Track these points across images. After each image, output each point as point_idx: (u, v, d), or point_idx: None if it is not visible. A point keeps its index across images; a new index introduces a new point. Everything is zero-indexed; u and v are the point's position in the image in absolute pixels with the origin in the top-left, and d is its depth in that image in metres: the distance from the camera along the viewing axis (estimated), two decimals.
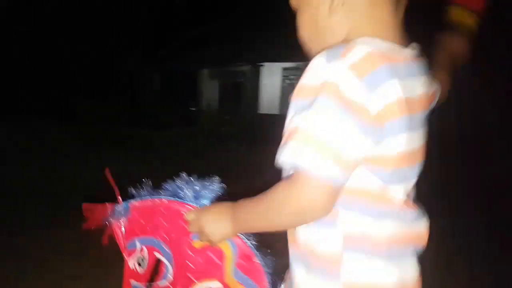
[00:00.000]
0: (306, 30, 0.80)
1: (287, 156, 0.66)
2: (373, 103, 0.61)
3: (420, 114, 0.70)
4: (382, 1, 0.68)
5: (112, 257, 1.16)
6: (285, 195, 0.66)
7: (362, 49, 0.62)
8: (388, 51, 0.65)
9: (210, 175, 0.94)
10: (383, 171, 0.65)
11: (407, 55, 0.69)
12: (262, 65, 15.17)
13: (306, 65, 0.74)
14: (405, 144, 0.65)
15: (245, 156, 7.81)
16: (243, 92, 16.07)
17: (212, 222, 0.77)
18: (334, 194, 0.62)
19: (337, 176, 0.60)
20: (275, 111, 15.50)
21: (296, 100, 0.70)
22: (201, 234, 0.79)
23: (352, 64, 0.61)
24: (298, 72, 14.55)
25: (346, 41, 0.66)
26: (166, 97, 16.80)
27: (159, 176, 1.01)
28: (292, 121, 0.69)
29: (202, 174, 0.97)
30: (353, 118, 0.59)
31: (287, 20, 1.16)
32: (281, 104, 15.80)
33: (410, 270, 0.71)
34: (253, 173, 5.80)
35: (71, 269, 2.48)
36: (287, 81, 15.83)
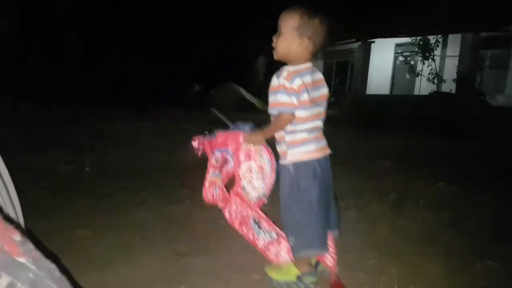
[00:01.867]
0: (281, 49, 1.75)
1: (274, 110, 1.71)
2: (294, 86, 1.65)
3: (317, 86, 1.75)
4: (309, 47, 1.70)
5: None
6: (279, 120, 1.70)
7: (286, 70, 1.70)
8: (299, 67, 1.71)
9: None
10: (303, 107, 1.67)
11: (309, 65, 1.75)
12: (372, 42, 13.97)
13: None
14: (308, 96, 1.67)
15: (351, 141, 7.13)
16: (350, 71, 15.07)
17: (254, 136, 1.81)
18: (292, 117, 1.67)
19: (292, 111, 1.66)
20: (385, 91, 14.23)
21: (273, 91, 1.71)
22: (248, 141, 1.82)
23: (284, 76, 1.68)
24: (411, 48, 13.05)
25: (296, 60, 1.73)
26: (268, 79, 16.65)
27: None
28: (273, 99, 1.71)
29: None
30: (290, 93, 1.65)
31: None
32: (393, 84, 14.44)
33: (317, 145, 1.74)
34: (362, 158, 5.21)
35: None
36: (401, 58, 14.37)
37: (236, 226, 1.86)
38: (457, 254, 2.33)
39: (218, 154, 1.87)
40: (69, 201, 3.00)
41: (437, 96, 11.55)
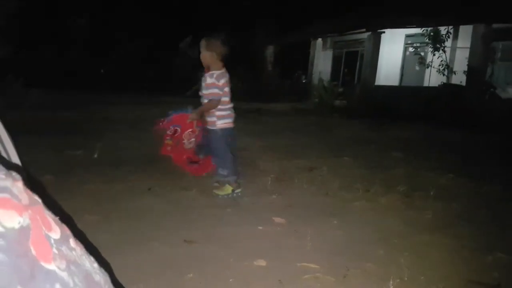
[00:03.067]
0: (207, 61, 2.95)
1: (210, 97, 2.91)
2: (220, 84, 2.89)
3: (228, 83, 2.99)
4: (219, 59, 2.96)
5: None
6: (211, 104, 2.89)
7: (215, 73, 2.91)
8: (221, 71, 2.95)
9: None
10: (225, 95, 2.92)
11: (224, 70, 2.98)
12: (383, 32, 13.78)
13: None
14: (227, 89, 2.94)
15: (360, 132, 7.07)
16: (360, 62, 14.92)
17: (193, 114, 2.97)
18: (219, 102, 2.89)
19: (219, 99, 2.89)
20: (394, 82, 14.09)
21: (208, 87, 2.91)
22: (191, 118, 2.99)
23: (214, 77, 2.90)
24: (421, 39, 12.87)
25: (214, 68, 2.96)
26: (279, 67, 16.52)
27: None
28: (208, 91, 2.93)
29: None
30: (219, 87, 2.89)
31: None
32: (403, 75, 14.28)
33: (231, 119, 2.99)
34: (371, 149, 5.16)
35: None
36: (411, 49, 14.18)
37: (180, 163, 3.19)
38: (468, 245, 2.30)
39: (171, 128, 3.06)
40: (77, 186, 3.01)
41: (447, 87, 11.39)
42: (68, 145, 4.31)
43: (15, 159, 1.54)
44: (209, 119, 2.91)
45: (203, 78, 2.96)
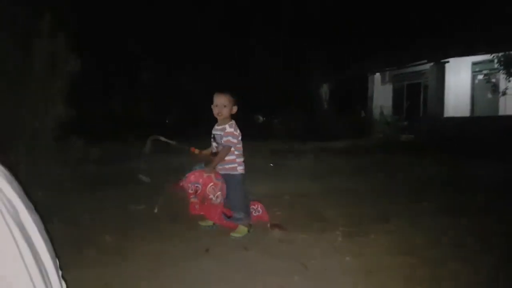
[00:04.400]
0: (225, 113, 3.19)
1: (224, 144, 3.12)
2: (237, 133, 3.17)
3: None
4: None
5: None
6: (225, 151, 3.10)
7: (232, 122, 3.21)
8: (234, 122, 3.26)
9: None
10: (240, 143, 3.19)
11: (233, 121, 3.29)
12: (446, 62, 13.06)
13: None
14: (240, 141, 3.20)
15: (431, 170, 6.45)
16: (424, 94, 14.16)
17: (208, 167, 3.09)
18: (230, 149, 3.13)
19: (232, 146, 3.13)
20: (465, 113, 13.10)
21: (227, 134, 3.12)
22: (207, 172, 3.05)
23: (234, 125, 3.19)
24: (491, 66, 11.95)
25: (227, 119, 3.23)
26: (335, 105, 16.19)
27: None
28: (225, 138, 3.13)
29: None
30: (234, 137, 3.14)
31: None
32: (473, 105, 13.26)
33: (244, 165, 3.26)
34: (452, 193, 4.59)
35: None
36: (479, 77, 13.23)
37: (216, 219, 3.18)
38: None
39: (191, 186, 3.04)
40: (134, 246, 2.84)
41: None
42: (132, 198, 4.24)
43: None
44: (227, 166, 3.14)
45: (218, 129, 3.21)
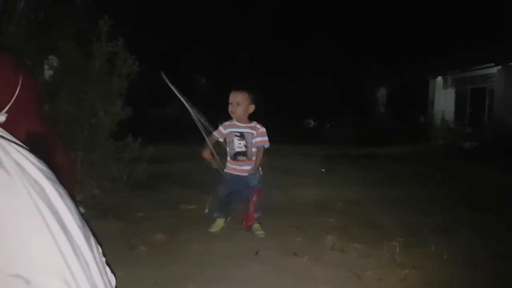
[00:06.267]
0: (244, 113, 3.16)
1: (260, 144, 3.15)
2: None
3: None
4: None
5: None
6: (263, 151, 3.18)
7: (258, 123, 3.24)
8: None
9: None
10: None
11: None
12: None
13: None
14: None
15: (500, 180, 5.96)
16: (489, 99, 13.23)
17: (254, 167, 3.17)
18: None
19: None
20: None
21: (263, 134, 3.18)
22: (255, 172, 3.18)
23: (261, 126, 3.22)
24: None
25: (245, 118, 3.23)
26: (393, 109, 15.58)
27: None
28: (264, 138, 3.18)
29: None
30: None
31: None
32: None
33: None
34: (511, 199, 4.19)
35: None
36: None
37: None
38: None
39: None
40: (184, 246, 2.86)
41: None
42: (183, 198, 4.29)
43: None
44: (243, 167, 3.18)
45: (242, 126, 3.16)
